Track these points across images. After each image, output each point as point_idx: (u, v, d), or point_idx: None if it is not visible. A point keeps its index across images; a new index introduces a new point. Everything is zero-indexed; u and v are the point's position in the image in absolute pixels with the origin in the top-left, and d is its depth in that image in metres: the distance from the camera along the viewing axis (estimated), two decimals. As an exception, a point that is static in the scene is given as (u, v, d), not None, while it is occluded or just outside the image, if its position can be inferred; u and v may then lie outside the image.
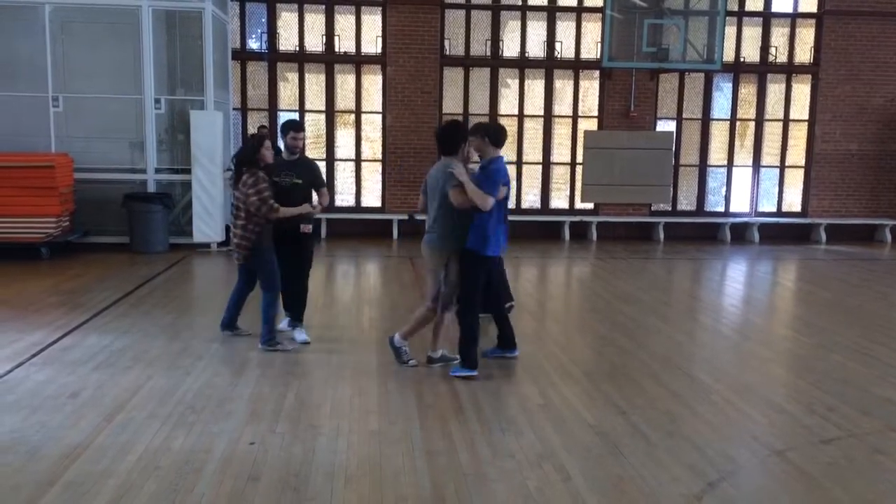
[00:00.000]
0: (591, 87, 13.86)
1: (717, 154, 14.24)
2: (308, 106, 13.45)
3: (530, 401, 5.06)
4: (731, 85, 14.03)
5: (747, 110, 14.16)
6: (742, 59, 13.86)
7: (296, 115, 13.28)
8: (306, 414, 4.73)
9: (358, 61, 13.35)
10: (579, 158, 13.72)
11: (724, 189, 14.36)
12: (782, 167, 14.30)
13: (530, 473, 3.93)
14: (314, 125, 13.51)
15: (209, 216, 11.12)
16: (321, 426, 4.52)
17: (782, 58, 13.93)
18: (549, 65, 13.59)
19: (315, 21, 13.28)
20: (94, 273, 9.32)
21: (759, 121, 14.14)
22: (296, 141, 6.28)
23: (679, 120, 14.01)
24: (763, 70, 13.94)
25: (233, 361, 5.77)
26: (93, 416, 4.59)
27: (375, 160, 13.68)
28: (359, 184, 13.69)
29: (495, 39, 13.46)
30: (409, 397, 5.06)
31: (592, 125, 13.82)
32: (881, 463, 4.20)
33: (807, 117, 14.11)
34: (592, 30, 13.57)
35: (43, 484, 3.70)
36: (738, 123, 14.15)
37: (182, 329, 6.76)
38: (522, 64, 13.58)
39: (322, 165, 13.40)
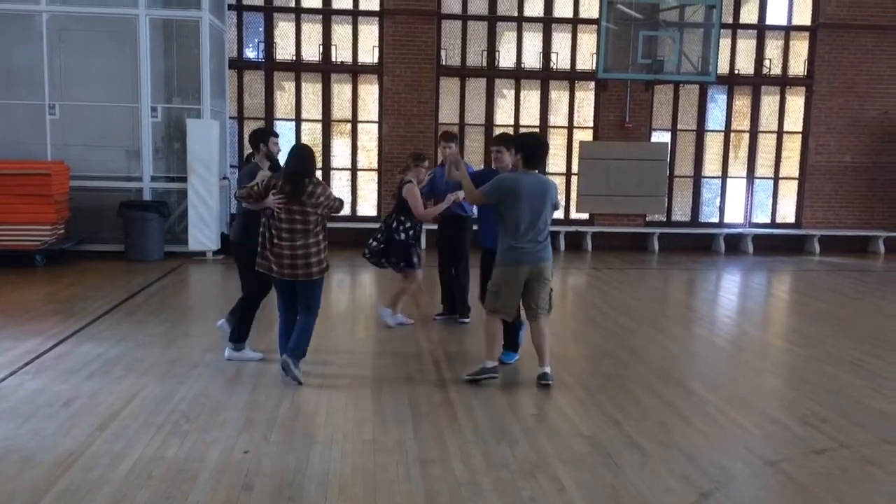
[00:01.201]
0: (586, 98, 13.92)
1: (711, 165, 14.31)
2: (304, 115, 13.49)
3: (525, 410, 5.07)
4: (725, 97, 14.11)
5: (741, 122, 14.24)
6: (736, 72, 13.95)
7: (292, 125, 13.36)
8: (300, 423, 4.73)
9: (354, 71, 13.39)
10: (574, 169, 13.77)
11: (718, 200, 14.42)
12: (776, 178, 14.37)
13: (524, 483, 3.93)
14: (310, 134, 13.54)
15: (205, 225, 11.12)
16: (315, 435, 4.52)
17: (776, 70, 14.02)
18: (545, 76, 13.66)
19: (312, 31, 13.33)
20: (88, 281, 9.31)
21: (754, 132, 14.22)
22: (277, 146, 6.30)
23: (674, 131, 14.08)
24: (757, 82, 14.02)
25: (227, 370, 5.76)
26: (86, 424, 4.58)
27: (371, 169, 13.71)
28: (354, 193, 13.71)
29: (491, 50, 13.52)
30: (403, 406, 5.05)
31: (588, 136, 13.88)
32: (874, 474, 4.21)
33: (801, 129, 14.20)
34: (588, 41, 13.65)
35: (36, 492, 3.69)
36: (732, 135, 14.23)
37: (177, 338, 6.75)
38: (518, 75, 13.64)
39: (318, 174, 13.49)
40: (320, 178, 5.60)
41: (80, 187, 10.97)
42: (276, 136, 6.33)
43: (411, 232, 7.14)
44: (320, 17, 13.29)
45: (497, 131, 13.58)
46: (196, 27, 11.27)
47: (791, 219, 14.43)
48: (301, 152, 5.56)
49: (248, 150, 13.18)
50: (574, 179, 13.79)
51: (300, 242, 5.37)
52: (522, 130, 13.68)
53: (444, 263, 7.64)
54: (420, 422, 4.78)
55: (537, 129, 13.41)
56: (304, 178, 5.36)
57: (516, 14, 13.54)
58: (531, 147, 5.52)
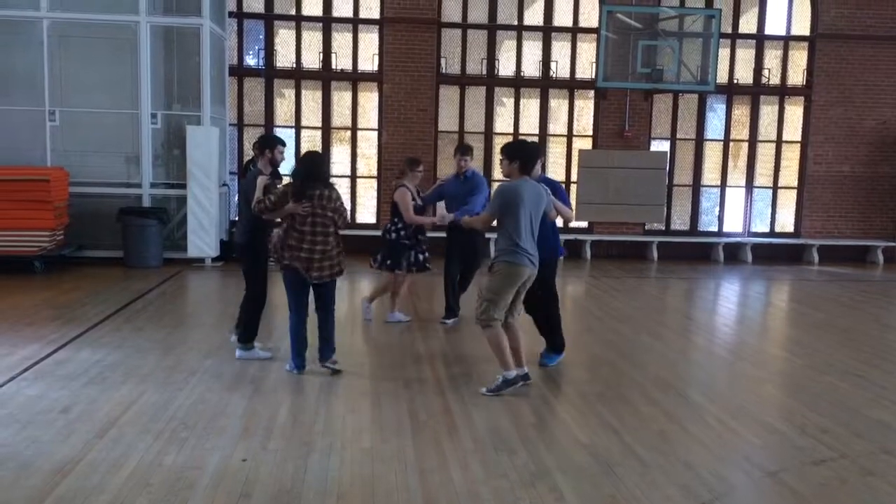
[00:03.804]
0: (585, 107, 13.96)
1: (710, 174, 14.33)
2: (304, 122, 13.51)
3: (524, 419, 5.05)
4: (724, 106, 14.15)
5: (740, 131, 14.27)
6: (735, 81, 13.99)
7: (292, 132, 13.37)
8: (299, 431, 4.71)
9: (354, 79, 13.42)
10: (574, 177, 13.79)
11: (717, 209, 14.44)
12: (775, 188, 14.40)
13: (523, 493, 3.91)
14: (310, 141, 13.56)
15: (204, 231, 11.12)
16: (314, 443, 4.50)
17: (775, 80, 14.07)
18: (545, 84, 13.69)
19: (312, 38, 13.36)
20: (87, 287, 9.30)
21: (753, 142, 14.25)
22: (282, 156, 6.37)
23: (673, 140, 14.11)
24: (756, 92, 14.07)
25: (226, 377, 5.75)
26: (84, 431, 4.56)
27: (371, 177, 13.73)
28: (354, 200, 13.72)
29: (491, 58, 13.56)
30: (402, 415, 5.04)
31: (587, 144, 13.91)
32: (873, 484, 4.20)
33: (799, 139, 14.24)
34: (587, 50, 13.69)
35: (34, 500, 3.67)
36: (731, 144, 14.26)
37: (175, 344, 6.74)
38: (518, 83, 13.67)
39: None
40: (335, 185, 5.96)
41: (79, 193, 10.97)
42: (284, 144, 6.44)
43: (402, 233, 7.42)
44: (320, 24, 13.32)
45: (497, 139, 13.64)
46: (196, 34, 11.29)
47: (790, 228, 14.45)
48: (311, 157, 5.98)
49: (248, 156, 13.32)
50: (573, 188, 13.80)
51: (321, 247, 5.67)
52: (522, 138, 13.68)
53: (453, 267, 7.80)
54: (419, 430, 4.77)
55: (536, 138, 13.44)
56: (318, 183, 5.67)
57: (516, 23, 13.59)
58: (526, 154, 5.63)
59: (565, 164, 13.93)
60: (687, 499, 3.91)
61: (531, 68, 13.70)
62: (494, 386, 5.55)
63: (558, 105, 13.91)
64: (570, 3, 13.60)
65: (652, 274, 12.38)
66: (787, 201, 14.46)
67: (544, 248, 5.82)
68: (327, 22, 13.30)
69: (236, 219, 13.09)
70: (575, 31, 13.67)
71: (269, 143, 6.29)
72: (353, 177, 13.70)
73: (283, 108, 13.57)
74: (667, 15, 13.03)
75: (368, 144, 13.70)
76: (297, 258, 5.65)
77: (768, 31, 13.99)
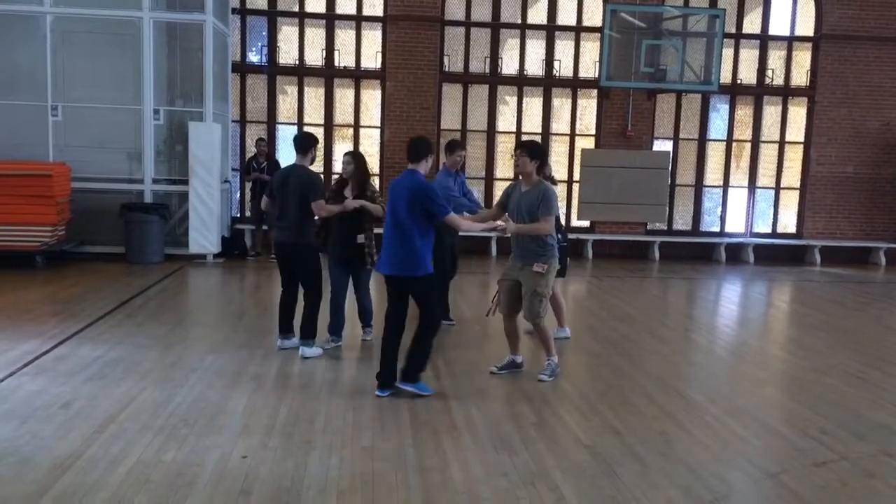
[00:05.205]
0: (588, 106, 13.94)
1: (713, 174, 14.32)
2: (307, 119, 13.50)
3: (524, 419, 5.04)
4: (727, 106, 14.13)
5: (743, 132, 14.25)
6: (739, 81, 13.97)
7: (294, 129, 13.35)
8: (299, 429, 4.71)
9: (357, 76, 13.41)
10: (576, 176, 13.77)
11: (719, 209, 14.42)
12: (777, 189, 14.38)
13: (523, 493, 3.91)
14: (312, 139, 13.53)
15: (205, 227, 11.12)
16: (314, 441, 4.50)
17: (779, 80, 14.04)
18: (548, 83, 13.68)
19: (315, 35, 13.35)
20: (88, 283, 9.30)
21: (755, 142, 14.23)
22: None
23: (676, 140, 14.09)
24: (759, 92, 14.04)
25: (226, 374, 5.74)
26: (84, 427, 4.56)
27: (373, 175, 13.70)
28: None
29: (494, 57, 13.54)
30: (402, 413, 5.04)
31: (590, 143, 13.89)
32: (874, 487, 4.19)
33: (802, 140, 14.21)
34: (591, 49, 13.67)
35: (32, 495, 3.67)
36: (734, 144, 14.24)
37: (176, 341, 6.74)
38: (521, 82, 13.65)
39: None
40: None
41: (81, 189, 10.97)
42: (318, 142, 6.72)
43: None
44: (324, 21, 13.31)
45: (499, 138, 13.63)
46: (200, 30, 11.28)
47: (792, 229, 14.43)
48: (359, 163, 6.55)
49: (250, 153, 13.32)
50: (575, 187, 13.79)
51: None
52: (524, 137, 13.68)
53: (449, 272, 7.69)
54: (419, 429, 4.77)
55: (539, 136, 13.43)
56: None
57: (519, 21, 13.57)
58: (545, 155, 5.97)
59: (568, 164, 13.91)
60: (688, 500, 3.90)
61: (534, 67, 13.68)
62: (550, 371, 5.92)
63: (561, 104, 13.89)
64: (573, 1, 13.58)
65: (654, 274, 12.36)
66: (790, 202, 14.44)
67: (411, 260, 5.32)
68: (330, 19, 13.29)
69: (244, 215, 13.22)
70: (578, 30, 13.65)
71: (313, 142, 6.44)
72: (355, 174, 13.67)
73: (286, 104, 13.56)
74: (671, 14, 13.01)
75: (371, 142, 13.69)
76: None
77: (772, 31, 13.96)
